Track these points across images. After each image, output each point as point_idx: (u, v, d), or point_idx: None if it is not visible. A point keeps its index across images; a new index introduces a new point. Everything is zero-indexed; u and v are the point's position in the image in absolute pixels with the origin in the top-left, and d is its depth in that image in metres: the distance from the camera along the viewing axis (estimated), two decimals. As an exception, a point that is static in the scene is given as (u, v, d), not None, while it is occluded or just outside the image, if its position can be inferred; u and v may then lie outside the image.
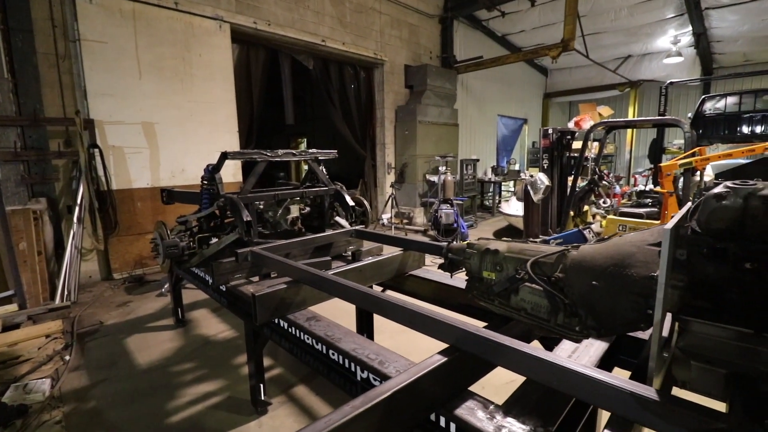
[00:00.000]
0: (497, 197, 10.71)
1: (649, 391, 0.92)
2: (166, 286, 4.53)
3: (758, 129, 9.47)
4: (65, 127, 4.60)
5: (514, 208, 7.29)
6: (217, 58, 5.75)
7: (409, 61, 8.98)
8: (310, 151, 3.04)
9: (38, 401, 2.58)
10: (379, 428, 1.06)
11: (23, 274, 4.03)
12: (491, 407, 1.22)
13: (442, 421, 1.22)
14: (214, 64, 5.73)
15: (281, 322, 2.00)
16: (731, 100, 9.91)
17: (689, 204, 1.21)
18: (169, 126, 5.35)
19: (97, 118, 4.76)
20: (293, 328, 1.90)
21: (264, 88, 6.81)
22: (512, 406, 1.23)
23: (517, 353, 1.16)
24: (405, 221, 8.49)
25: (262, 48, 6.68)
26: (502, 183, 11.19)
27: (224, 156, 2.57)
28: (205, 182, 2.68)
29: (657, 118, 7.08)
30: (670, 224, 0.95)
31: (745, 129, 9.60)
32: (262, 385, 2.50)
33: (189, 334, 3.63)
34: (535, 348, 1.17)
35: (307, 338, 1.83)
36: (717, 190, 0.93)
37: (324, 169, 3.22)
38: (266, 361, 2.83)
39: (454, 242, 1.81)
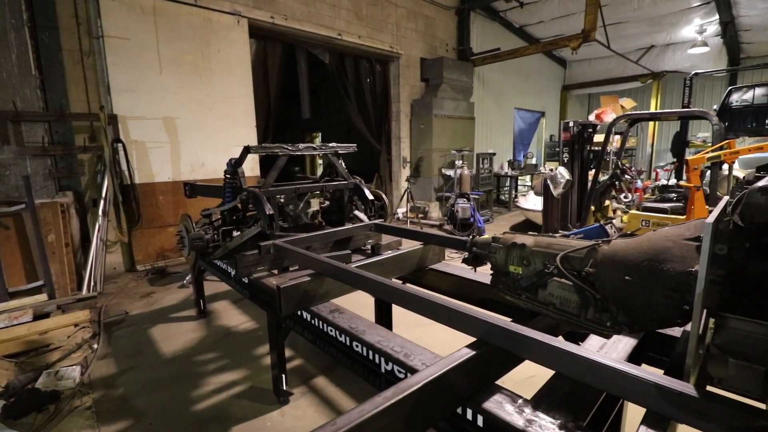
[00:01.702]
0: (513, 192, 10.59)
1: (686, 387, 0.91)
2: (188, 278, 4.63)
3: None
4: (90, 122, 4.72)
5: (531, 202, 7.19)
6: (235, 53, 5.80)
7: (425, 54, 8.90)
8: (329, 145, 3.05)
9: (69, 387, 2.68)
10: (408, 419, 1.07)
11: (52, 266, 4.18)
12: (520, 401, 1.21)
13: (470, 414, 1.22)
14: (232, 59, 5.79)
15: (304, 314, 2.02)
16: (759, 91, 9.53)
17: (726, 198, 1.18)
18: (189, 121, 5.44)
19: (120, 114, 4.87)
20: (317, 320, 1.93)
21: (280, 82, 6.85)
22: (541, 401, 1.23)
23: (546, 347, 1.15)
24: (420, 215, 8.47)
25: (279, 42, 6.71)
26: (519, 177, 11.05)
27: (247, 150, 2.61)
28: (228, 176, 2.72)
29: (683, 110, 6.86)
30: (711, 218, 0.93)
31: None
32: (284, 376, 2.55)
33: (211, 325, 3.71)
34: (565, 342, 1.16)
35: (331, 330, 1.85)
36: (762, 183, 0.90)
37: (343, 163, 3.23)
38: (287, 352, 2.87)
39: (478, 236, 1.80)
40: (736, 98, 9.70)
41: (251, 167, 6.12)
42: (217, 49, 5.60)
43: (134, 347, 3.32)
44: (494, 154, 10.07)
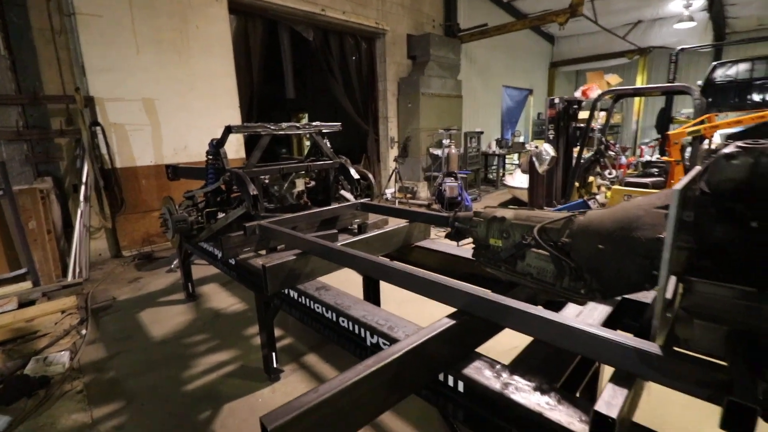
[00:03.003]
0: (501, 170, 10.64)
1: (652, 347, 0.96)
2: (175, 262, 4.61)
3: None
4: (66, 104, 4.57)
5: (518, 180, 7.25)
6: (214, 29, 5.62)
7: (411, 31, 8.72)
8: (314, 124, 3.01)
9: (59, 373, 2.68)
10: (390, 386, 1.10)
11: (34, 253, 4.11)
12: (498, 366, 1.26)
13: (451, 381, 1.27)
14: (212, 36, 5.60)
15: (291, 292, 2.04)
16: (743, 66, 9.61)
17: (698, 168, 1.21)
18: (170, 101, 5.29)
19: (97, 95, 4.71)
20: (303, 298, 1.95)
21: (263, 60, 6.67)
22: (518, 365, 1.28)
23: (523, 314, 1.19)
24: (409, 195, 8.48)
25: (260, 19, 6.51)
26: (507, 156, 11.08)
27: (228, 130, 2.56)
28: (210, 157, 2.68)
29: (666, 85, 6.92)
30: (679, 185, 0.95)
31: (757, 97, 9.34)
32: (274, 354, 2.59)
33: (200, 308, 3.72)
34: (542, 309, 1.20)
35: (318, 307, 1.87)
36: (728, 150, 0.92)
37: (328, 143, 3.21)
38: (277, 332, 2.90)
39: (460, 211, 1.82)
40: (720, 74, 9.77)
41: (236, 149, 6.02)
42: (196, 26, 5.41)
43: (123, 332, 3.33)
44: (482, 132, 10.06)
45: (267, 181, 2.91)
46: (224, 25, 5.74)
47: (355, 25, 7.61)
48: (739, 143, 0.93)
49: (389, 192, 8.49)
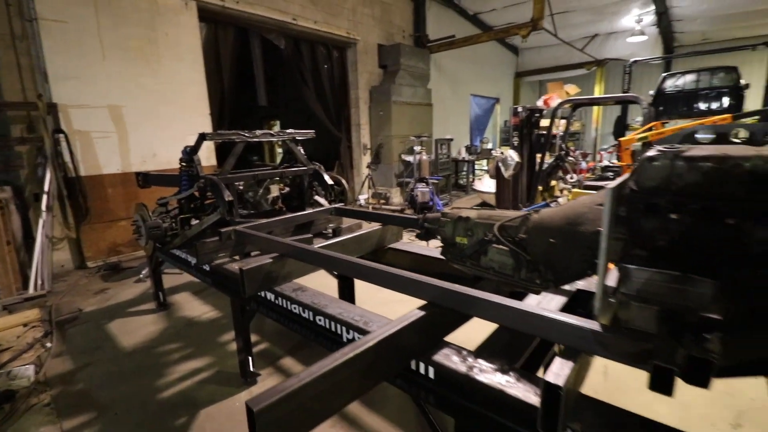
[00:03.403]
0: (471, 176, 10.96)
1: (593, 325, 1.10)
2: (144, 272, 4.51)
3: (714, 105, 10.02)
4: (27, 111, 4.41)
5: (487, 185, 7.53)
6: (184, 37, 5.58)
7: (382, 41, 8.93)
8: (288, 131, 3.08)
9: (24, 386, 2.60)
10: (365, 372, 1.19)
11: (-8, 265, 3.93)
12: (464, 352, 1.38)
13: (422, 368, 1.37)
14: (182, 43, 5.56)
15: (268, 295, 2.10)
16: (689, 77, 10.41)
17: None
18: (138, 109, 5.20)
19: (61, 102, 4.58)
20: (281, 299, 2.01)
21: (234, 68, 6.66)
22: (483, 350, 1.40)
23: (487, 303, 1.32)
24: (382, 201, 8.61)
25: (231, 27, 6.50)
26: (476, 162, 11.43)
27: (202, 137, 2.59)
28: (184, 164, 2.69)
29: (617, 95, 7.42)
30: (612, 185, 1.10)
31: (702, 105, 10.12)
32: (250, 358, 2.61)
33: (172, 317, 3.67)
34: (502, 298, 1.33)
35: (295, 307, 1.94)
36: (650, 153, 1.08)
37: (302, 150, 3.28)
38: (253, 337, 2.91)
39: (429, 213, 1.94)
40: (669, 84, 10.52)
41: (207, 156, 5.96)
42: (165, 33, 5.36)
43: (91, 343, 3.24)
44: (452, 139, 10.35)
45: (241, 187, 2.95)
46: (194, 33, 5.71)
47: (327, 35, 7.72)
48: (660, 147, 1.10)
49: (363, 198, 8.59)
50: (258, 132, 2.79)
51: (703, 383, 0.93)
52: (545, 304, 1.64)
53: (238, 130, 2.84)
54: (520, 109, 5.09)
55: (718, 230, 1.00)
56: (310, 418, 1.05)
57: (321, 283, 2.49)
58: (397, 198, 8.89)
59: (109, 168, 5.07)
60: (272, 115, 14.02)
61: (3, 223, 4.08)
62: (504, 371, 1.25)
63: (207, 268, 2.59)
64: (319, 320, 1.81)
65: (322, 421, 1.09)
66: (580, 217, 1.32)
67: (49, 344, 3.17)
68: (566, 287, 1.71)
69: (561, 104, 4.88)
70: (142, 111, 5.25)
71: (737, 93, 9.81)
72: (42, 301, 3.97)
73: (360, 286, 2.92)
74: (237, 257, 2.74)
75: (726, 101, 9.88)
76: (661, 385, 0.91)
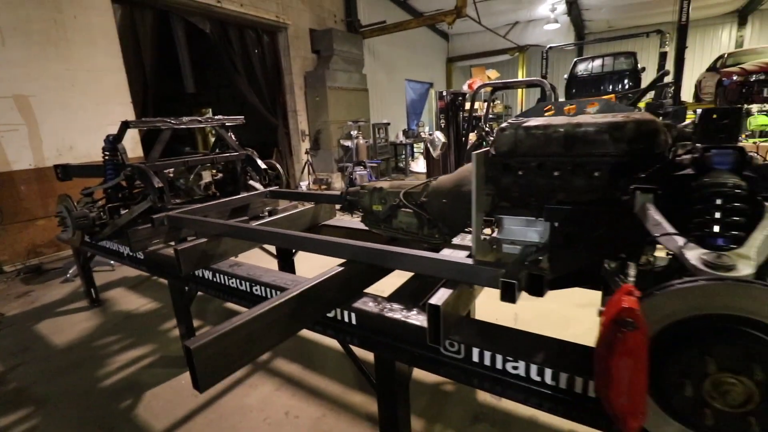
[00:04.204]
0: (410, 159, 11.38)
1: (467, 261, 1.41)
2: (72, 270, 4.31)
3: (618, 87, 11.28)
4: None
5: (421, 166, 7.94)
6: (95, 20, 5.22)
7: (313, 25, 8.88)
8: (216, 117, 3.12)
9: (-55, 393, 2.49)
10: (290, 318, 1.42)
11: None
12: (379, 299, 1.65)
13: (346, 316, 1.63)
14: (94, 27, 5.20)
15: (206, 273, 2.22)
16: (597, 62, 11.58)
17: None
18: (48, 98, 4.83)
19: (-47, 92, 4.15)
20: (218, 275, 2.14)
21: (155, 54, 6.32)
22: (394, 296, 1.68)
23: (397, 254, 1.57)
24: (324, 187, 8.72)
25: (149, 9, 6.14)
26: (414, 144, 11.86)
27: (125, 125, 2.58)
28: (107, 153, 2.66)
29: (525, 79, 8.17)
30: (479, 151, 1.41)
31: (609, 87, 11.36)
32: (193, 338, 2.71)
33: (108, 312, 3.61)
34: (402, 248, 1.60)
35: (233, 281, 2.09)
36: (503, 125, 1.40)
37: (233, 136, 3.34)
38: (195, 323, 3.00)
39: (350, 188, 2.18)
40: (581, 68, 11.64)
41: (132, 147, 5.68)
42: (73, 16, 4.98)
43: (19, 345, 3.12)
44: (389, 124, 10.64)
45: (172, 175, 2.97)
46: (107, 16, 5.35)
47: (255, 18, 7.55)
48: (510, 120, 1.41)
49: (304, 185, 8.64)
50: (185, 119, 2.83)
51: (539, 293, 1.28)
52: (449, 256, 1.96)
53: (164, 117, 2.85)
54: (444, 93, 5.46)
55: (550, 180, 1.33)
56: (242, 355, 1.25)
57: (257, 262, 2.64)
58: (338, 183, 9.05)
59: (20, 164, 4.69)
60: (203, 102, 13.38)
61: None
62: (408, 309, 1.54)
63: (141, 256, 2.63)
64: (256, 290, 1.98)
65: (253, 358, 1.31)
66: (464, 180, 1.63)
67: (-32, 350, 3.01)
68: (468, 243, 2.05)
69: (479, 88, 5.32)
70: (54, 101, 4.88)
71: (635, 76, 11.14)
72: (-47, 309, 3.68)
73: (300, 264, 3.11)
74: (172, 243, 2.79)
75: (626, 83, 11.19)
76: (508, 296, 1.23)
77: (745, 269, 0.79)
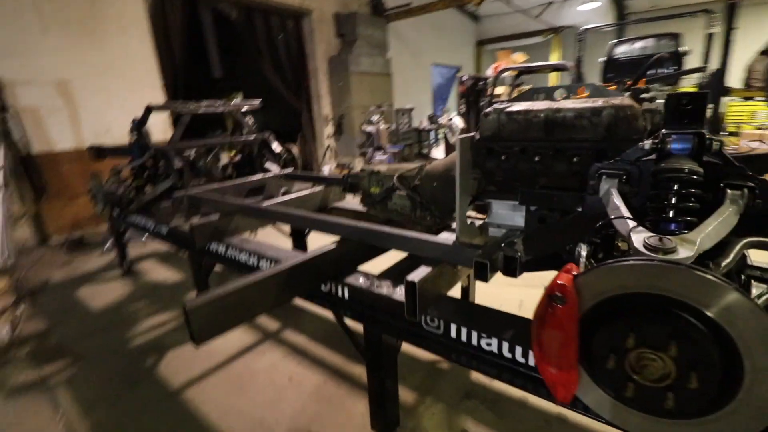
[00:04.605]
0: (433, 144, 11.29)
1: (450, 242, 1.48)
2: (108, 243, 4.67)
3: (659, 71, 10.66)
4: (-32, 88, 4.35)
5: (442, 152, 7.90)
6: (128, 8, 5.48)
7: (338, 9, 8.88)
8: (232, 102, 3.28)
9: (1, 343, 2.83)
10: (283, 287, 1.55)
11: (-49, 242, 4.00)
12: (370, 275, 1.76)
13: (339, 291, 1.75)
14: (126, 14, 5.47)
15: (219, 247, 2.39)
16: (638, 44, 10.95)
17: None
18: (87, 83, 5.16)
19: (4, 78, 4.52)
20: (229, 249, 2.31)
21: (185, 40, 6.56)
22: (384, 274, 1.78)
23: (388, 234, 1.67)
24: (345, 171, 8.85)
25: (178, -3, 6.37)
26: (437, 130, 11.74)
27: (148, 109, 2.78)
28: (134, 135, 2.88)
29: (549, 63, 7.87)
30: (462, 136, 1.46)
31: (649, 71, 10.75)
32: (211, 308, 2.93)
33: (138, 281, 3.92)
34: (392, 228, 1.69)
35: (242, 255, 2.25)
36: (487, 110, 1.44)
37: (251, 119, 3.49)
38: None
39: (352, 170, 2.27)
40: (618, 51, 11.06)
41: (163, 129, 5.99)
42: (107, 5, 5.26)
43: (61, 307, 3.47)
44: (412, 109, 10.55)
45: (193, 156, 3.17)
46: (138, 4, 5.61)
47: (280, 4, 7.64)
48: (495, 105, 1.45)
49: (326, 169, 8.81)
50: (204, 102, 2.99)
51: (513, 274, 1.34)
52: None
53: (191, 102, 3.03)
54: (465, 78, 5.40)
55: (532, 165, 1.37)
56: (235, 316, 1.40)
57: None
58: (360, 167, 9.15)
59: (62, 144, 5.08)
60: (233, 87, 13.72)
61: (-43, 200, 4.12)
62: (395, 285, 1.64)
63: (164, 230, 2.85)
64: (262, 265, 2.14)
65: (245, 320, 1.45)
66: (454, 164, 1.68)
67: (18, 312, 3.38)
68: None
69: (501, 72, 5.22)
70: (92, 85, 5.21)
71: (678, 59, 10.48)
72: (9, 272, 4.10)
73: (313, 245, 3.26)
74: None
75: (668, 67, 10.54)
76: (481, 275, 1.30)
77: (684, 253, 0.83)
